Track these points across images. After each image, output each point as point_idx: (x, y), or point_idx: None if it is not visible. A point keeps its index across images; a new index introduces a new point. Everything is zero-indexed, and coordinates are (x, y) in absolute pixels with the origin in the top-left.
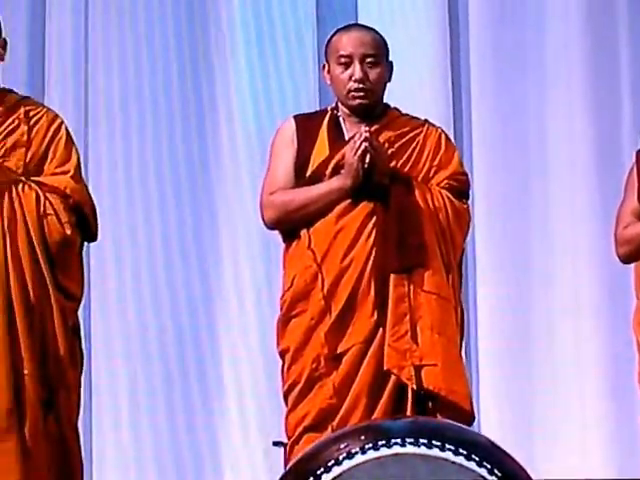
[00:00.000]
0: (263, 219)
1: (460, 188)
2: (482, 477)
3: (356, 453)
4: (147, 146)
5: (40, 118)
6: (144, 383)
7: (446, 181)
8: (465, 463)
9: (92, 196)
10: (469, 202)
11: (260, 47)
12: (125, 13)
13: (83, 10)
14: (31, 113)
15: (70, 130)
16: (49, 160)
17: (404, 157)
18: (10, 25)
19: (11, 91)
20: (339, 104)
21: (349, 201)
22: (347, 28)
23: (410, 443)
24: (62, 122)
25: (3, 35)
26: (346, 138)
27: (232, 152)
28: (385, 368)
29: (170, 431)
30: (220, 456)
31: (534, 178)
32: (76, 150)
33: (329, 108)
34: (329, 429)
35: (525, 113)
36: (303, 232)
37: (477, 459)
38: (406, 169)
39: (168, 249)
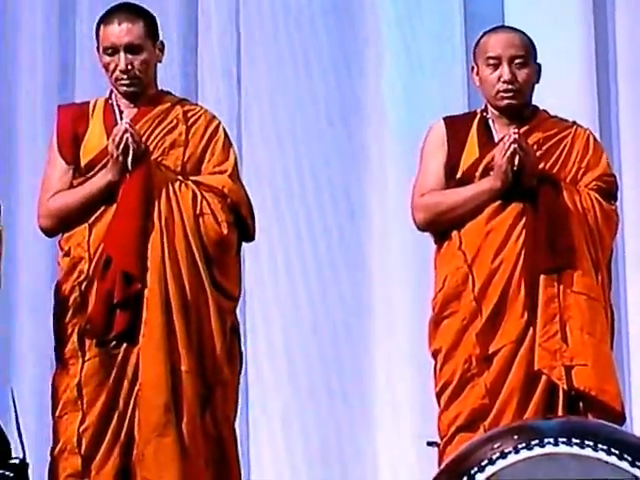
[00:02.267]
0: (414, 221)
1: (608, 190)
2: (635, 477)
3: (509, 453)
4: (299, 147)
5: (198, 118)
6: (299, 382)
7: (594, 183)
8: (618, 463)
9: (249, 196)
10: (617, 203)
11: (407, 51)
12: (278, 13)
13: (234, 12)
14: (189, 114)
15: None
16: (207, 160)
17: (552, 159)
18: (163, 29)
19: (169, 93)
20: (488, 106)
21: (499, 202)
22: (495, 30)
23: (563, 443)
24: (219, 123)
25: (160, 38)
26: (495, 140)
27: (380, 154)
28: (536, 368)
29: (324, 429)
30: (375, 455)
31: None
32: (233, 151)
33: (478, 110)
34: (481, 429)
35: None
36: (454, 233)
37: (630, 459)
38: (554, 171)
39: (320, 249)
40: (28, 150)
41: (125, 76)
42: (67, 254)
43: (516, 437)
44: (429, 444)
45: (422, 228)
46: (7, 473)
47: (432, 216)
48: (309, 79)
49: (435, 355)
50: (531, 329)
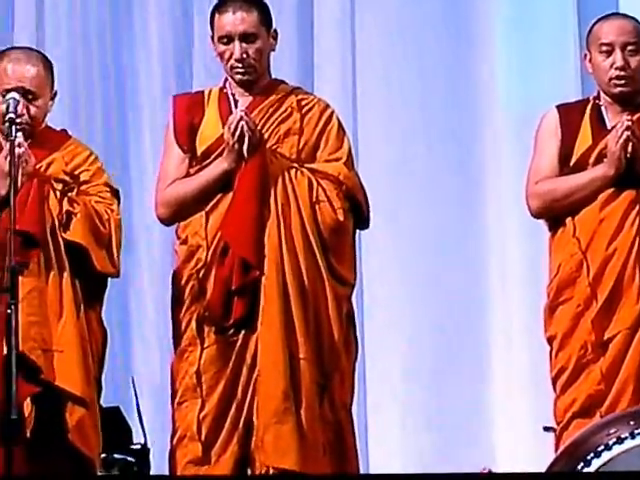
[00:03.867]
0: (529, 208)
1: None
2: None
3: (625, 438)
4: (413, 137)
5: (312, 107)
6: (415, 369)
7: None
8: None
9: (363, 184)
10: None
11: (521, 37)
12: (392, 4)
13: (349, 1)
14: (303, 102)
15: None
16: (321, 148)
17: None
18: (278, 18)
19: (283, 81)
20: (601, 93)
21: (612, 190)
22: (608, 17)
23: None
24: (333, 111)
25: (274, 26)
26: (608, 127)
27: (494, 142)
28: None
29: (441, 415)
30: (491, 441)
31: None
32: (347, 139)
33: (591, 97)
34: (597, 415)
35: None
36: (568, 220)
37: None
38: None
39: (435, 235)
40: (145, 140)
41: (240, 64)
42: (184, 242)
43: (632, 422)
44: (545, 429)
45: (536, 215)
46: (129, 459)
47: (546, 203)
48: (423, 69)
49: (550, 341)
50: None
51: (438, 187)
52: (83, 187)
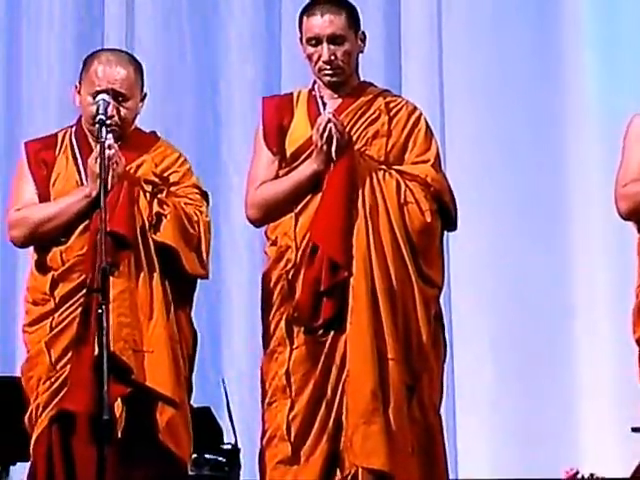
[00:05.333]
0: (618, 210)
1: None
2: None
3: None
4: (501, 140)
5: (400, 109)
6: (502, 370)
7: None
8: None
9: (451, 185)
10: None
11: (608, 37)
12: (478, 8)
13: (436, 3)
14: (391, 104)
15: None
16: (409, 150)
17: None
18: (365, 20)
19: (371, 84)
20: None
21: None
22: None
23: None
24: (421, 114)
25: (362, 29)
26: None
27: (581, 143)
28: None
29: (527, 415)
30: (578, 443)
31: None
32: (435, 141)
33: None
34: None
35: None
36: None
37: None
38: None
39: (520, 237)
40: (235, 142)
41: (328, 66)
42: (274, 243)
43: None
44: (634, 430)
45: (625, 217)
46: (220, 458)
47: (634, 205)
48: (509, 73)
49: (639, 342)
50: None
51: (524, 189)
52: (172, 189)
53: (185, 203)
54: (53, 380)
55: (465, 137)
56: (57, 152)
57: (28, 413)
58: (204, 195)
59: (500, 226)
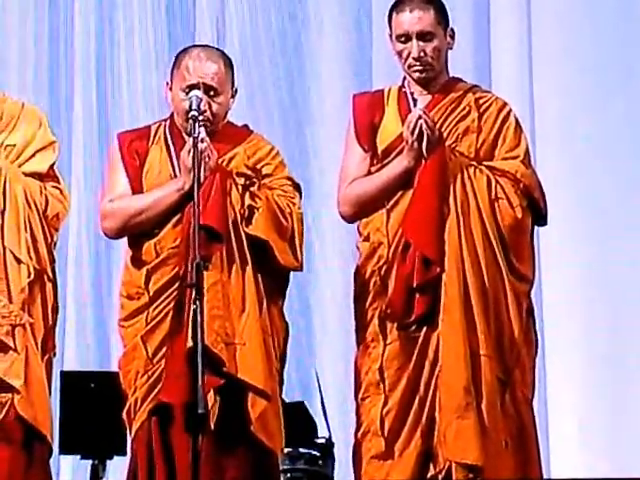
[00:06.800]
0: None
1: None
2: None
3: None
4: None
5: (490, 105)
6: (593, 362)
7: None
8: None
9: (540, 181)
10: None
11: None
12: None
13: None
14: (481, 101)
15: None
16: (499, 146)
17: None
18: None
19: (460, 80)
20: None
21: None
22: None
23: None
24: (511, 110)
25: (451, 25)
26: None
27: None
28: None
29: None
30: None
31: None
32: (524, 137)
33: None
34: None
35: None
36: None
37: None
38: None
39: (611, 231)
40: (325, 138)
41: (418, 63)
42: (366, 239)
43: None
44: None
45: None
46: (314, 452)
47: None
48: (601, 70)
49: None
50: None
51: (614, 186)
52: (265, 181)
53: (278, 195)
54: (150, 373)
55: (554, 133)
56: (150, 143)
57: (126, 407)
58: (297, 187)
59: (589, 220)
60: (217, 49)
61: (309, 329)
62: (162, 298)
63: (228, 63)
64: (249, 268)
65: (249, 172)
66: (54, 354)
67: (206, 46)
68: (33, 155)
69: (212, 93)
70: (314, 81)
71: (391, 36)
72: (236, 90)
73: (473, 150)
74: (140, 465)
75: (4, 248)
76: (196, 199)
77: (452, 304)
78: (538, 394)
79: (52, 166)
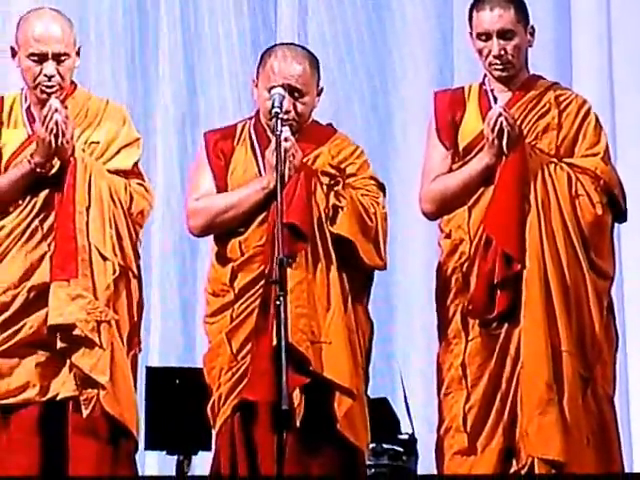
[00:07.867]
0: None
1: None
2: None
3: None
4: None
5: (569, 103)
6: None
7: None
8: None
9: (620, 178)
10: None
11: None
12: None
13: None
14: (561, 98)
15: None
16: (579, 143)
17: None
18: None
19: (540, 77)
20: None
21: None
22: None
23: None
24: (590, 107)
25: (531, 23)
26: None
27: None
28: None
29: None
30: None
31: None
32: (604, 133)
33: None
34: None
35: None
36: None
37: None
38: None
39: None
40: (407, 136)
41: (498, 61)
42: (448, 236)
43: None
44: None
45: None
46: (397, 448)
47: None
48: None
49: None
50: None
51: None
52: (349, 180)
53: (362, 195)
54: (235, 370)
55: (636, 130)
56: (236, 142)
57: (210, 403)
58: (381, 187)
59: None
60: (303, 48)
61: (391, 326)
62: (247, 295)
63: (313, 62)
64: (334, 267)
65: (333, 171)
66: (139, 350)
67: (292, 45)
68: (117, 152)
69: (297, 94)
70: (395, 81)
71: (471, 34)
72: (322, 89)
73: (553, 147)
74: (223, 461)
75: (89, 245)
76: (280, 198)
77: (533, 300)
78: (619, 390)
79: (136, 163)
